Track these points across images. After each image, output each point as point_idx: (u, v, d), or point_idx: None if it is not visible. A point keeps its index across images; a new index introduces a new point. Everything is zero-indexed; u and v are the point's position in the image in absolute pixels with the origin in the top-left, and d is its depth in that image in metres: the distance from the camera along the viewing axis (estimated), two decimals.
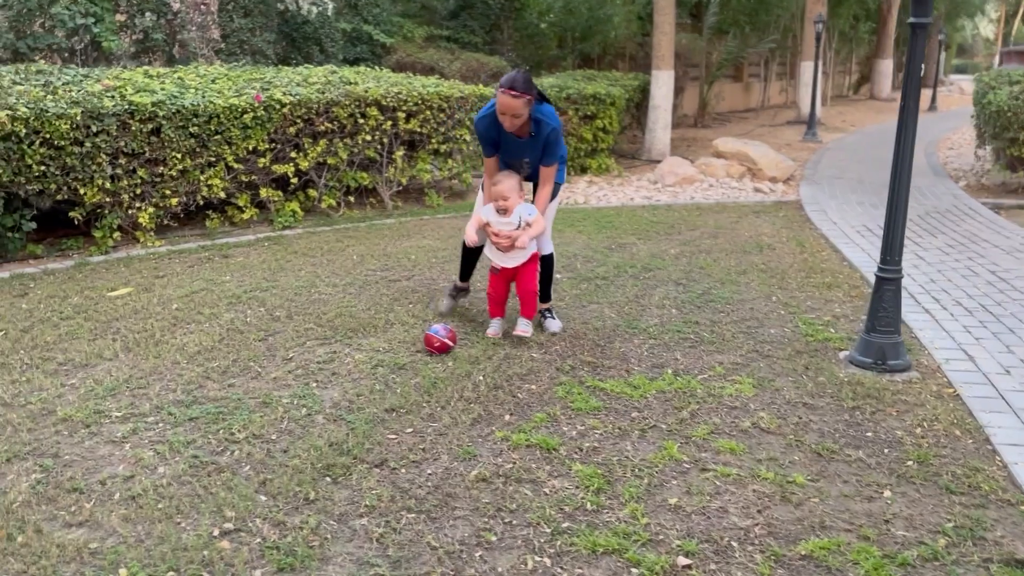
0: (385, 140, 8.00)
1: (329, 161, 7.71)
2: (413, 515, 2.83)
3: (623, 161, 11.69)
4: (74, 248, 6.46)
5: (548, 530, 2.73)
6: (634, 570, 2.53)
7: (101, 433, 3.42)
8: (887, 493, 2.96)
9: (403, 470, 3.13)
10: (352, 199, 8.27)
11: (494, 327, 4.57)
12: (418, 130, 8.19)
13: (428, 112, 8.19)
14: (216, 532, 2.72)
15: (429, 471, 3.12)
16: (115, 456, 3.23)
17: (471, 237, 4.52)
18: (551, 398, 3.75)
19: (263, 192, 7.45)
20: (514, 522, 2.78)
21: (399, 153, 8.15)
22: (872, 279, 5.72)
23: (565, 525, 2.76)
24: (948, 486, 3.00)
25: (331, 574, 2.52)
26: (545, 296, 4.73)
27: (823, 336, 4.54)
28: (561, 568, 2.54)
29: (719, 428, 3.45)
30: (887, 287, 4.02)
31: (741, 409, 3.63)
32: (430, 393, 3.78)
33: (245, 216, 7.43)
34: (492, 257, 4.50)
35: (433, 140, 8.41)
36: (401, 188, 8.49)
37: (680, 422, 3.51)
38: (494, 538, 2.69)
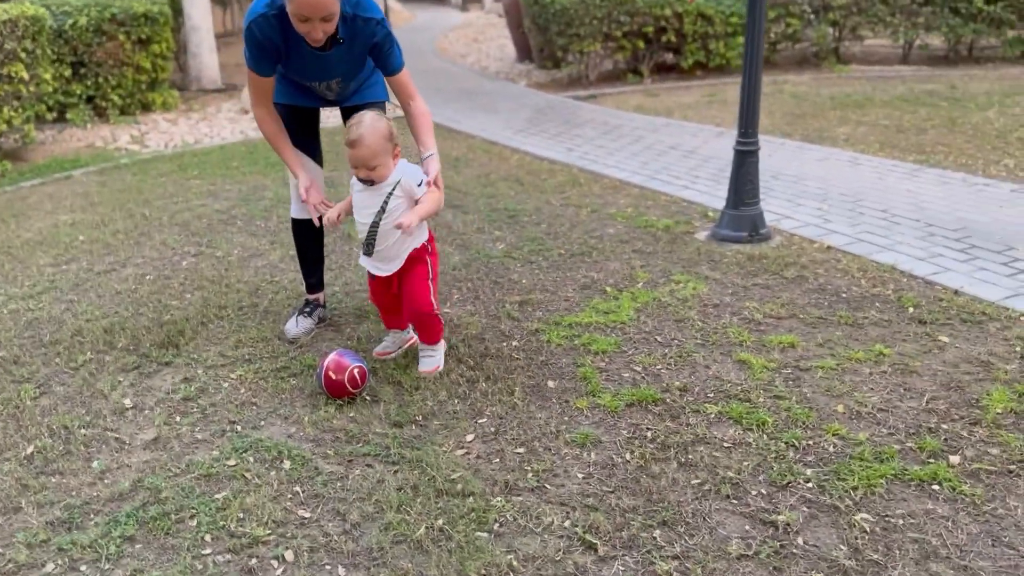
0: None
1: None
2: (660, 531, 2.07)
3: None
4: None
5: (802, 481, 2.24)
6: (935, 486, 2.22)
7: None
8: (944, 338, 3.07)
9: (548, 485, 2.27)
10: None
11: (384, 343, 3.11)
12: None
13: None
14: None
15: (581, 475, 2.32)
16: None
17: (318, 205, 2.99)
18: (557, 349, 3.06)
19: None
20: (754, 491, 2.22)
21: None
22: (587, 167, 5.89)
23: (810, 472, 2.29)
24: (964, 318, 3.22)
25: None
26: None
27: (662, 225, 4.49)
28: (883, 513, 2.10)
29: (746, 326, 3.19)
30: (750, 159, 4.11)
31: (724, 306, 3.41)
32: (421, 390, 2.80)
33: None
34: (363, 263, 2.94)
35: None
36: None
37: (708, 332, 3.16)
38: (779, 515, 2.11)
